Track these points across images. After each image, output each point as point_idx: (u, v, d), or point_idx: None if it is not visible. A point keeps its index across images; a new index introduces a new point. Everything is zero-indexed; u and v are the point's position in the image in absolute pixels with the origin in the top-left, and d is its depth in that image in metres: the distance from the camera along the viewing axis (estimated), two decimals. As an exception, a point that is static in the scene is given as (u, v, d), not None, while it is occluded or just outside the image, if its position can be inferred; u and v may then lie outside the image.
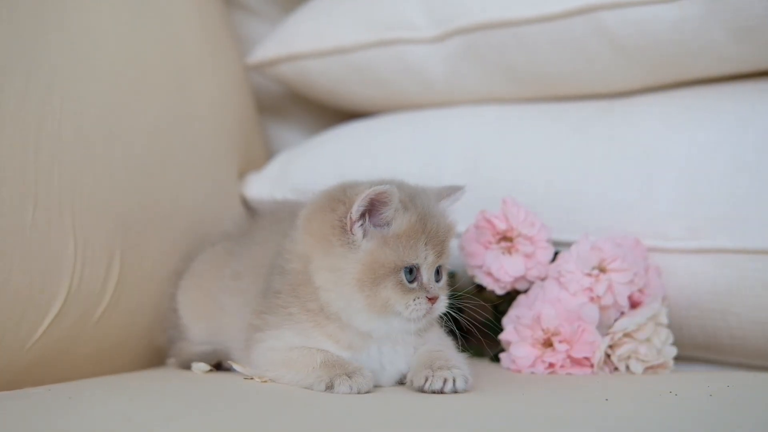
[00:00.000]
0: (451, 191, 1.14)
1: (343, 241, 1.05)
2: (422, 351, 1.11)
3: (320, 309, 1.08)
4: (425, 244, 1.07)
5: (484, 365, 1.28)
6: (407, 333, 1.10)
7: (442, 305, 1.09)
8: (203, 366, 1.21)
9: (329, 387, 1.04)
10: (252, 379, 1.12)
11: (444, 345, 1.13)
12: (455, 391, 1.04)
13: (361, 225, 1.05)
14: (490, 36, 1.40)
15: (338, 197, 1.07)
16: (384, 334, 1.09)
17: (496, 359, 1.30)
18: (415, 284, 1.06)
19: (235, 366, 1.16)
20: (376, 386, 1.09)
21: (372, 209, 1.05)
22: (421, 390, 1.05)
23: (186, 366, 1.24)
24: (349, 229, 1.05)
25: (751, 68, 1.35)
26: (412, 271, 1.06)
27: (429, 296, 1.07)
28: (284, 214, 1.25)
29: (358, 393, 1.03)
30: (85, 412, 0.95)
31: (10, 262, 1.13)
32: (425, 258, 1.07)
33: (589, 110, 1.42)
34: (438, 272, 1.10)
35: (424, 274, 1.07)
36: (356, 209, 1.04)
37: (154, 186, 1.34)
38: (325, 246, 1.06)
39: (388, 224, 1.06)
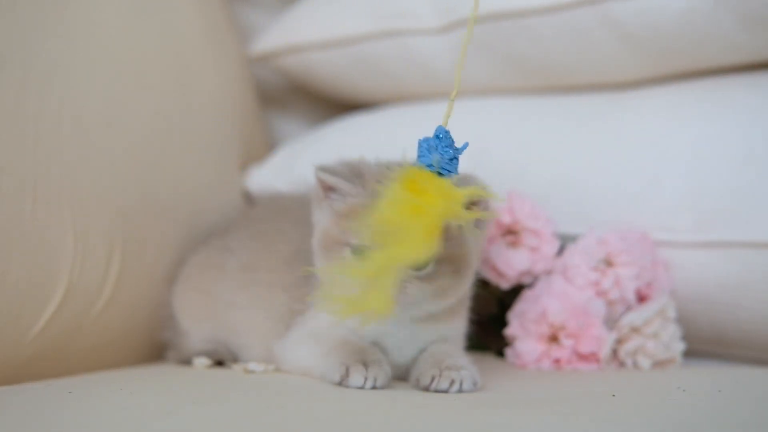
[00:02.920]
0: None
1: (314, 213, 1.11)
2: (430, 350, 1.10)
3: None
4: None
5: (489, 360, 1.28)
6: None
7: (408, 293, 1.03)
8: (204, 360, 1.21)
9: (343, 377, 1.02)
10: (252, 372, 1.13)
11: (454, 344, 1.13)
12: (461, 392, 1.02)
13: (328, 202, 1.08)
14: (496, 26, 1.40)
15: None
16: None
17: (500, 354, 1.30)
18: None
19: (234, 366, 1.17)
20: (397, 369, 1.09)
21: (329, 188, 1.08)
22: (426, 389, 1.03)
23: (187, 361, 1.24)
24: (318, 205, 1.10)
25: (760, 59, 1.34)
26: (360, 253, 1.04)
27: None
28: (287, 202, 1.27)
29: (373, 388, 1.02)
30: (85, 407, 0.95)
31: (9, 255, 1.13)
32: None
33: (597, 102, 1.42)
34: None
35: None
36: (317, 190, 1.09)
37: (154, 178, 1.34)
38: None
39: (340, 200, 1.08)
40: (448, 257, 1.05)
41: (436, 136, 0.99)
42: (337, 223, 1.06)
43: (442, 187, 0.96)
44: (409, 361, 1.11)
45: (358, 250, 1.04)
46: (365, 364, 1.02)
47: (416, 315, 1.08)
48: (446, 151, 0.99)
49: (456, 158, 0.99)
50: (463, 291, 1.10)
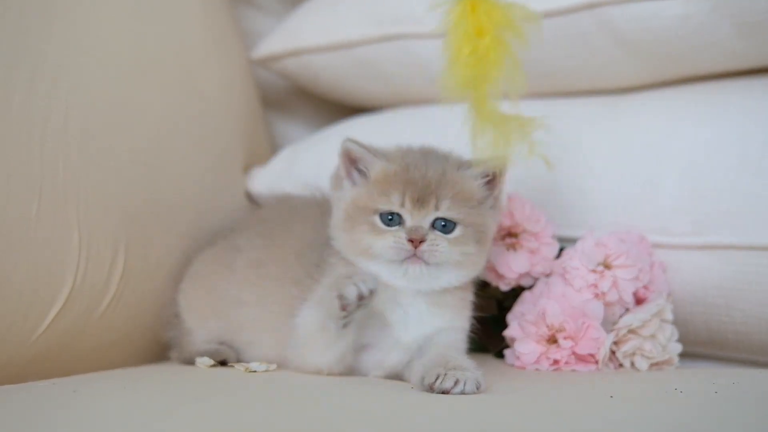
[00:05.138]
0: (482, 161, 1.18)
1: (338, 195, 1.17)
2: (436, 351, 1.11)
3: None
4: (402, 191, 1.12)
5: (489, 362, 1.29)
6: (409, 281, 1.13)
7: (439, 250, 1.11)
8: (207, 360, 1.21)
9: (340, 297, 1.06)
10: (254, 372, 1.14)
11: (458, 348, 1.15)
12: (463, 393, 1.03)
13: (351, 179, 1.16)
14: (495, 31, 1.40)
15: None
16: (388, 281, 1.13)
17: (500, 355, 1.30)
18: (395, 228, 1.12)
19: (237, 365, 1.18)
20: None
21: (355, 161, 1.16)
22: (431, 387, 1.04)
23: (190, 361, 1.24)
24: (341, 185, 1.17)
25: (756, 64, 1.35)
26: (392, 218, 1.13)
27: (408, 237, 1.11)
28: (294, 203, 1.31)
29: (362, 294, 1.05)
30: (89, 406, 0.96)
31: (15, 255, 1.14)
32: (402, 204, 1.12)
33: (594, 106, 1.42)
34: (446, 225, 1.13)
35: (407, 219, 1.13)
36: (342, 168, 1.17)
37: (159, 180, 1.35)
38: (332, 202, 1.19)
39: (367, 172, 1.16)
40: (472, 224, 1.14)
41: None
42: (368, 190, 1.14)
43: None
44: (412, 344, 1.14)
45: (391, 217, 1.12)
46: (350, 278, 1.07)
47: (439, 284, 1.14)
48: None
49: None
50: (480, 266, 1.17)
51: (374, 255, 1.12)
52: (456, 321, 1.16)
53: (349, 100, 1.66)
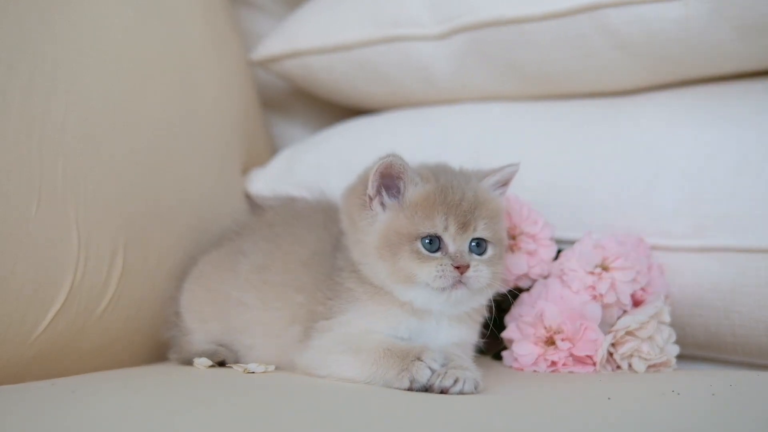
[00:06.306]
0: (497, 170, 1.16)
1: (365, 216, 1.11)
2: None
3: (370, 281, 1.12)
4: (445, 215, 1.09)
5: (487, 363, 1.28)
6: (449, 306, 1.11)
7: (482, 275, 1.09)
8: (205, 361, 1.21)
9: (412, 381, 1.04)
10: (252, 372, 1.14)
11: (462, 348, 1.14)
12: (461, 393, 1.04)
13: (380, 200, 1.11)
14: (496, 33, 1.40)
15: (361, 176, 1.14)
16: (425, 306, 1.11)
17: (498, 357, 1.31)
18: (438, 253, 1.09)
19: (235, 366, 1.18)
20: None
21: (387, 182, 1.10)
22: (431, 385, 1.04)
23: (188, 361, 1.24)
24: (368, 206, 1.11)
25: (756, 67, 1.35)
26: (432, 242, 1.09)
27: (455, 264, 1.08)
28: (300, 207, 1.30)
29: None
30: (88, 406, 0.96)
31: (14, 256, 1.14)
32: (445, 228, 1.09)
33: (594, 108, 1.43)
34: (479, 245, 1.11)
35: (449, 244, 1.09)
36: (371, 186, 1.10)
37: (158, 181, 1.35)
38: (353, 222, 1.13)
39: (403, 194, 1.10)
40: (498, 240, 1.13)
41: None
42: (409, 214, 1.09)
43: None
44: None
45: (431, 241, 1.08)
46: (420, 359, 1.05)
47: (471, 305, 1.13)
48: None
49: None
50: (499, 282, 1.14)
51: (417, 282, 1.09)
52: (468, 337, 1.16)
53: (348, 102, 1.66)
